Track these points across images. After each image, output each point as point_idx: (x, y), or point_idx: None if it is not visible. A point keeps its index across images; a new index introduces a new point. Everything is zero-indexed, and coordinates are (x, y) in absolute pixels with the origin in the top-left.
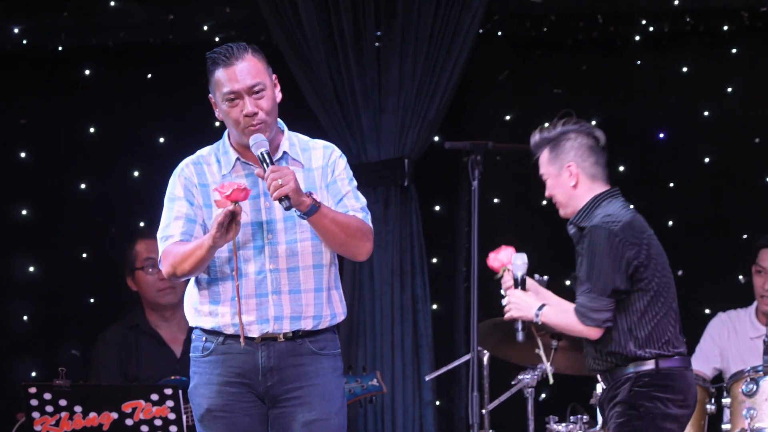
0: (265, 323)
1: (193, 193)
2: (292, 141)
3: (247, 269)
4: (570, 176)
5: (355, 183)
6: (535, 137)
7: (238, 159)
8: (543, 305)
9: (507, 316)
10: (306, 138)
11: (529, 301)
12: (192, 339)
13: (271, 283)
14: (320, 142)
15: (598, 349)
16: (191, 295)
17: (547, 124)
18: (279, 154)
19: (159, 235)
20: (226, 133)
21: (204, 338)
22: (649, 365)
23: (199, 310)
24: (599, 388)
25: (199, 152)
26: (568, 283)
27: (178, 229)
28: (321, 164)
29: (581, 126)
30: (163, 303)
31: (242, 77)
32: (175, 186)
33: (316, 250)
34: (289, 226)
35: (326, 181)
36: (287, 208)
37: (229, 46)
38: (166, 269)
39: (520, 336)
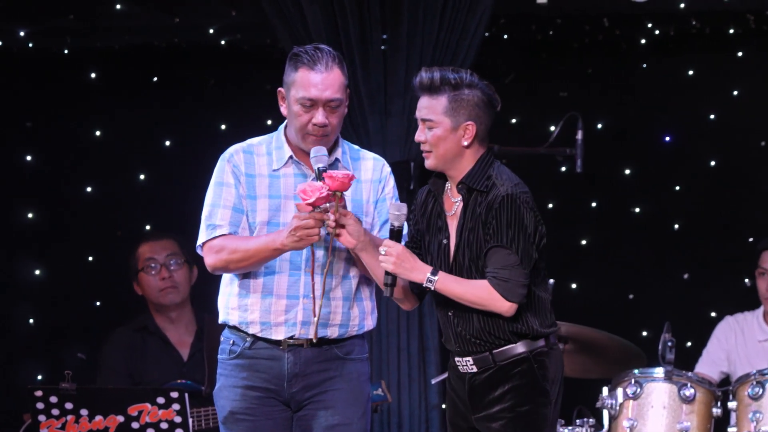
0: (292, 327)
1: (240, 182)
2: (344, 149)
3: (281, 268)
4: (465, 136)
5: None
6: (434, 75)
7: (291, 157)
8: (436, 270)
9: (387, 268)
10: (357, 147)
11: (416, 261)
12: (221, 341)
13: (304, 286)
14: (370, 154)
15: (498, 325)
16: (225, 287)
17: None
18: (331, 160)
19: (205, 221)
20: (282, 127)
21: (231, 341)
22: (541, 342)
23: (230, 303)
24: (605, 391)
25: (249, 141)
26: (574, 286)
27: (226, 218)
28: (371, 177)
29: (485, 83)
30: (166, 303)
31: (323, 88)
32: (224, 171)
33: (348, 260)
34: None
35: (375, 196)
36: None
37: (319, 49)
38: (214, 262)
39: (387, 292)
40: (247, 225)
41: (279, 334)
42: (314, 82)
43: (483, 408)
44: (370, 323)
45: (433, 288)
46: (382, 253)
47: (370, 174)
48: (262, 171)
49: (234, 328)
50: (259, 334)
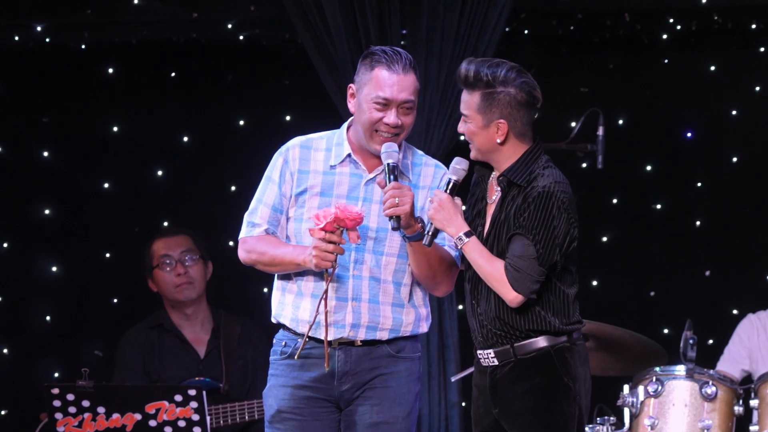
0: (341, 328)
1: (285, 180)
2: (405, 154)
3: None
4: (498, 132)
5: None
6: (470, 69)
7: (349, 155)
8: (470, 233)
9: (428, 213)
10: (420, 153)
11: (456, 216)
12: (273, 342)
13: (353, 289)
14: (432, 161)
15: (515, 319)
16: (278, 287)
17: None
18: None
19: (247, 216)
20: (345, 125)
21: (283, 343)
22: (563, 338)
23: (283, 301)
24: (626, 388)
25: (311, 135)
26: (595, 283)
27: (265, 217)
28: (429, 184)
29: (524, 81)
30: (182, 299)
31: (401, 89)
32: (274, 166)
33: (399, 268)
34: (381, 238)
35: None
36: (394, 228)
37: (398, 52)
38: (244, 259)
39: (426, 240)
40: (285, 223)
41: (329, 335)
42: (391, 82)
43: (505, 403)
44: (424, 328)
45: (459, 247)
46: (431, 199)
47: (429, 181)
48: (318, 167)
49: (285, 328)
50: (310, 334)
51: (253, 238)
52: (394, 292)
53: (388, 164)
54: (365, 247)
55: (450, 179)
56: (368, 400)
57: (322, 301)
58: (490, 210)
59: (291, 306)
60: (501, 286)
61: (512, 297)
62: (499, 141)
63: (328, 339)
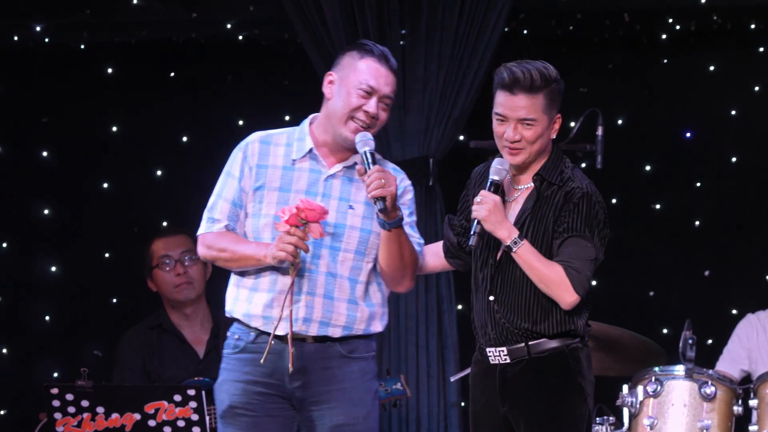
0: (294, 322)
1: (244, 175)
2: None
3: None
4: (555, 129)
5: (415, 217)
6: (533, 72)
7: (311, 150)
8: (522, 235)
9: (475, 214)
10: (378, 156)
11: (506, 219)
12: (227, 336)
13: (308, 283)
14: (390, 164)
15: (547, 321)
16: (234, 281)
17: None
18: (349, 162)
19: (207, 212)
20: (307, 121)
21: (236, 336)
22: (577, 339)
23: (237, 296)
24: (625, 388)
25: (271, 131)
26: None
27: (224, 212)
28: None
29: (558, 74)
30: (181, 299)
31: (387, 83)
32: (234, 161)
33: (356, 265)
34: (338, 233)
35: None
36: (381, 211)
37: (384, 50)
38: (204, 254)
39: (472, 240)
40: (244, 218)
41: (280, 330)
42: (379, 73)
43: (517, 402)
44: (378, 327)
45: (514, 251)
46: (478, 200)
47: None
48: (277, 162)
49: (239, 321)
50: (262, 328)
51: (213, 234)
52: (350, 289)
53: (365, 152)
54: (322, 242)
55: (494, 180)
56: (326, 403)
57: (287, 298)
58: (512, 208)
59: (245, 301)
60: (560, 289)
61: (573, 299)
62: (554, 137)
63: (280, 333)
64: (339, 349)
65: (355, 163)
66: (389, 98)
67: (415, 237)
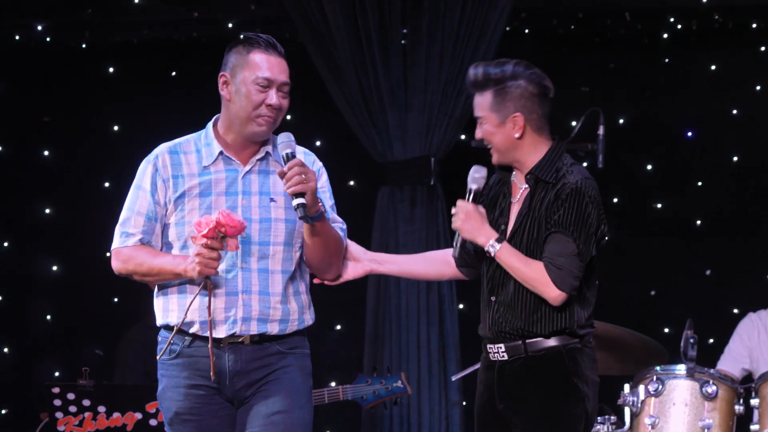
0: (233, 324)
1: (158, 187)
2: (275, 143)
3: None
4: (515, 127)
5: (333, 200)
6: (477, 72)
7: (221, 152)
8: (501, 238)
9: (454, 225)
10: (292, 145)
11: (483, 225)
12: (158, 341)
13: (242, 282)
14: (300, 148)
15: (542, 323)
16: (160, 289)
17: (488, 63)
18: (261, 155)
19: (119, 227)
20: (210, 124)
21: (171, 342)
22: (576, 340)
23: (169, 305)
24: (627, 387)
25: (176, 140)
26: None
27: (139, 226)
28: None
29: (532, 72)
30: None
31: (280, 71)
32: (144, 175)
33: (287, 256)
34: (264, 228)
35: None
36: (301, 205)
37: (268, 37)
38: (119, 269)
39: (456, 252)
40: (160, 231)
41: (220, 332)
42: (270, 64)
43: (512, 400)
44: (308, 318)
45: (493, 254)
46: (453, 211)
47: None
48: (192, 170)
49: (173, 329)
50: (199, 333)
51: (128, 248)
52: (282, 281)
53: (286, 154)
54: (252, 239)
55: (471, 188)
56: (262, 394)
57: (207, 308)
58: (514, 209)
59: (177, 309)
60: (542, 286)
61: (556, 295)
62: (517, 135)
63: (219, 336)
64: (277, 346)
65: (267, 153)
66: (287, 84)
67: (338, 223)
